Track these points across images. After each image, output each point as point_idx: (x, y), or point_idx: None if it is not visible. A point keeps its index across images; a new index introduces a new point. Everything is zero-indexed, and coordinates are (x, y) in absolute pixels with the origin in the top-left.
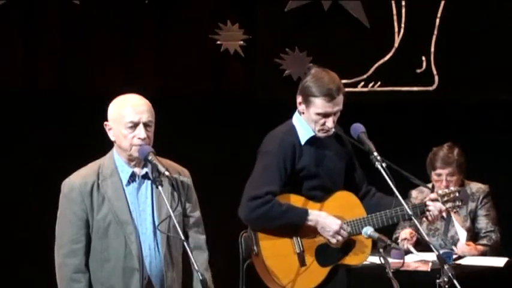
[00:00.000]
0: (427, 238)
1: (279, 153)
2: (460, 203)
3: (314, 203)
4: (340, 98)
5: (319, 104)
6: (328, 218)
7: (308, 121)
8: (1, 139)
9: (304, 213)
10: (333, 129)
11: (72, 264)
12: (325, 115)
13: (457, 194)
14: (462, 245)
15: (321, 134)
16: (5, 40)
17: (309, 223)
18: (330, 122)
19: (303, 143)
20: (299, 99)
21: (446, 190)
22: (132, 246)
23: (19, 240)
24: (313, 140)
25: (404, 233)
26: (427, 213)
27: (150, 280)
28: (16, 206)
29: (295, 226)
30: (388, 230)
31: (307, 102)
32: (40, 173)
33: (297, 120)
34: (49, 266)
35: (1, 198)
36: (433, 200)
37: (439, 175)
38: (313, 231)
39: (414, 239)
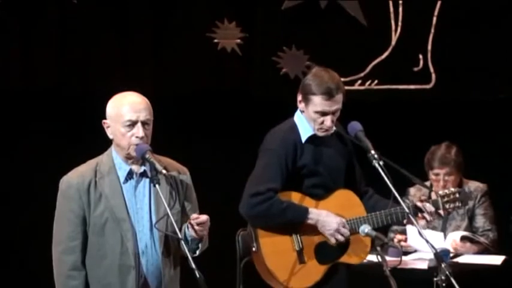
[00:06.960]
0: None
1: (281, 150)
2: (460, 204)
3: (314, 201)
4: (339, 97)
5: (317, 102)
6: (329, 216)
7: (308, 119)
8: (0, 138)
9: (305, 211)
10: (333, 128)
11: (68, 261)
12: (323, 113)
13: (458, 195)
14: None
15: (320, 133)
16: (4, 39)
17: (309, 221)
18: (328, 121)
19: (304, 141)
20: (299, 97)
21: (447, 191)
22: (128, 243)
23: (18, 238)
24: (314, 138)
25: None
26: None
27: (146, 278)
28: (16, 204)
29: (295, 224)
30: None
31: (306, 100)
32: (39, 171)
33: (298, 118)
34: (47, 264)
35: (1, 197)
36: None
37: (437, 175)
38: (313, 229)
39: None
